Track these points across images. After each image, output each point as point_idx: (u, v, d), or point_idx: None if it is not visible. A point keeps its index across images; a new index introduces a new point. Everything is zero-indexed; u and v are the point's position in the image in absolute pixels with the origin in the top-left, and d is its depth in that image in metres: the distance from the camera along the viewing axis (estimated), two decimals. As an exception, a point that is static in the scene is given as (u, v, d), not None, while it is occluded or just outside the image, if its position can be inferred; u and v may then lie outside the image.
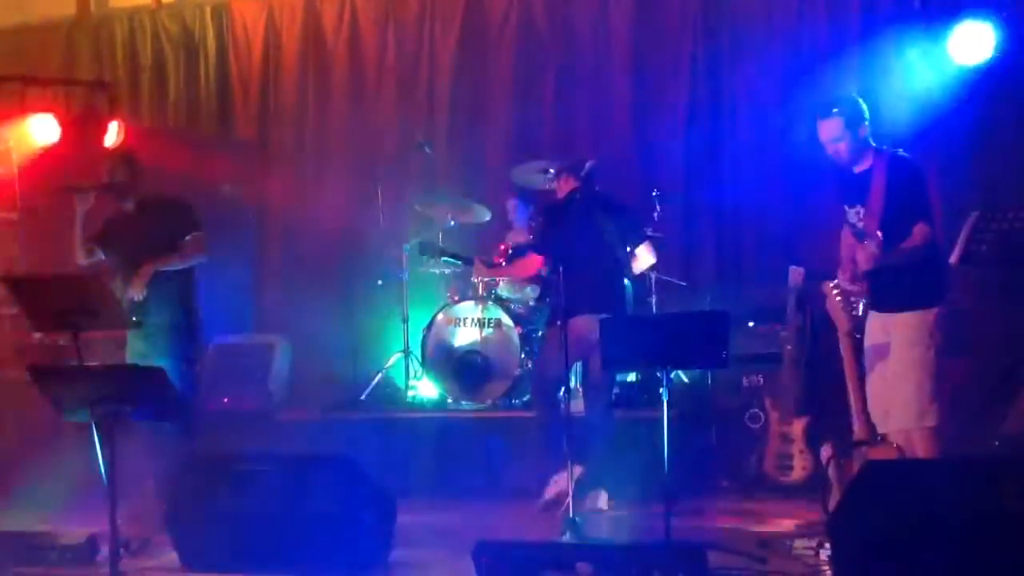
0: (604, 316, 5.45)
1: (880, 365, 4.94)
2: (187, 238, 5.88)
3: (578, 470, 5.42)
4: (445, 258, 7.15)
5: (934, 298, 4.92)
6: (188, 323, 5.91)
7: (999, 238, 4.24)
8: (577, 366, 6.40)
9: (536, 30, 8.26)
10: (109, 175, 5.92)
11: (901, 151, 5.01)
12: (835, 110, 4.95)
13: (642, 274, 6.72)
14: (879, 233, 4.61)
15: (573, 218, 5.96)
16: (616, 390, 6.87)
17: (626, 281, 6.25)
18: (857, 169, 5.00)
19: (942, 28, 6.72)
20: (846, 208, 5.02)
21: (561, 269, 5.34)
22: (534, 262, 6.14)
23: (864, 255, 4.73)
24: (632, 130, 7.94)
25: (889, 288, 4.85)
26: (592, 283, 5.83)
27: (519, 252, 7.35)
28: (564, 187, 6.19)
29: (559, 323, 5.59)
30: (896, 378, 4.85)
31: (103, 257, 5.97)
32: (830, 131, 4.95)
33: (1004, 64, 6.63)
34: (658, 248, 6.47)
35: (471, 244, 7.70)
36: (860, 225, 4.87)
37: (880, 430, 4.79)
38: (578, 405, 6.24)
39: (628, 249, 6.14)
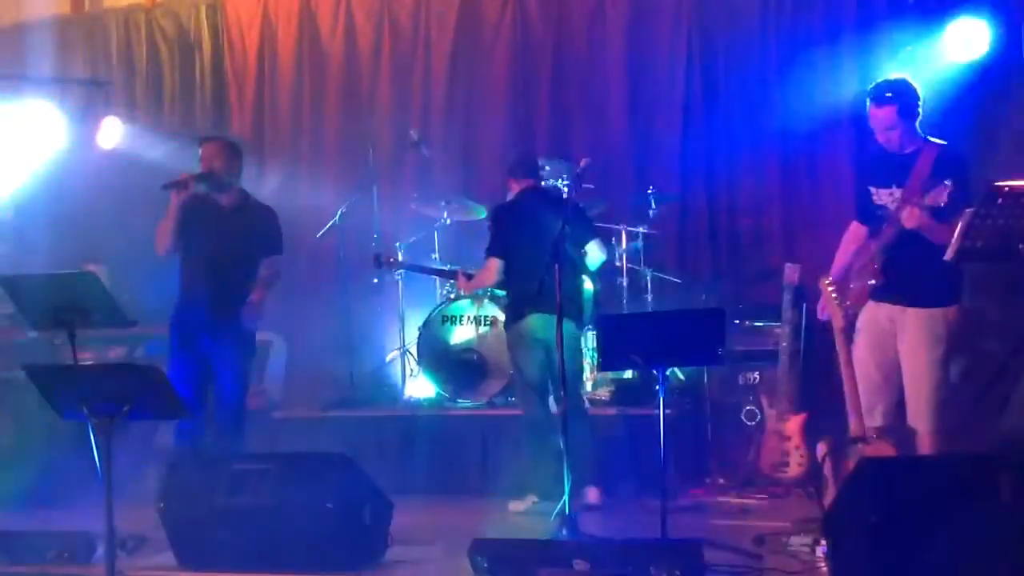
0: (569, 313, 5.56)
1: (870, 355, 4.91)
2: (269, 260, 5.85)
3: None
4: (410, 271, 7.20)
5: (954, 296, 4.90)
6: (251, 327, 5.91)
7: (994, 234, 4.24)
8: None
9: (531, 28, 8.25)
10: (207, 164, 5.78)
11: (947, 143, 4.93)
12: (889, 95, 4.83)
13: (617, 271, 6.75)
14: (948, 181, 4.47)
15: (528, 218, 5.94)
16: (612, 388, 6.89)
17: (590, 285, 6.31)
18: (893, 151, 4.90)
19: (936, 25, 6.73)
20: (872, 189, 4.92)
21: (557, 267, 5.31)
22: (491, 267, 6.07)
23: (914, 215, 4.59)
24: (628, 128, 7.94)
25: (907, 279, 4.79)
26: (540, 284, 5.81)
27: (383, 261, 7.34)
28: (515, 187, 6.17)
29: (522, 322, 5.85)
30: (916, 379, 4.83)
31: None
32: (883, 119, 4.83)
33: (998, 61, 6.64)
34: (608, 245, 6.48)
35: (466, 243, 7.72)
36: (893, 207, 4.82)
37: (868, 424, 4.80)
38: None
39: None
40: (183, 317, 5.86)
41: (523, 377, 6.02)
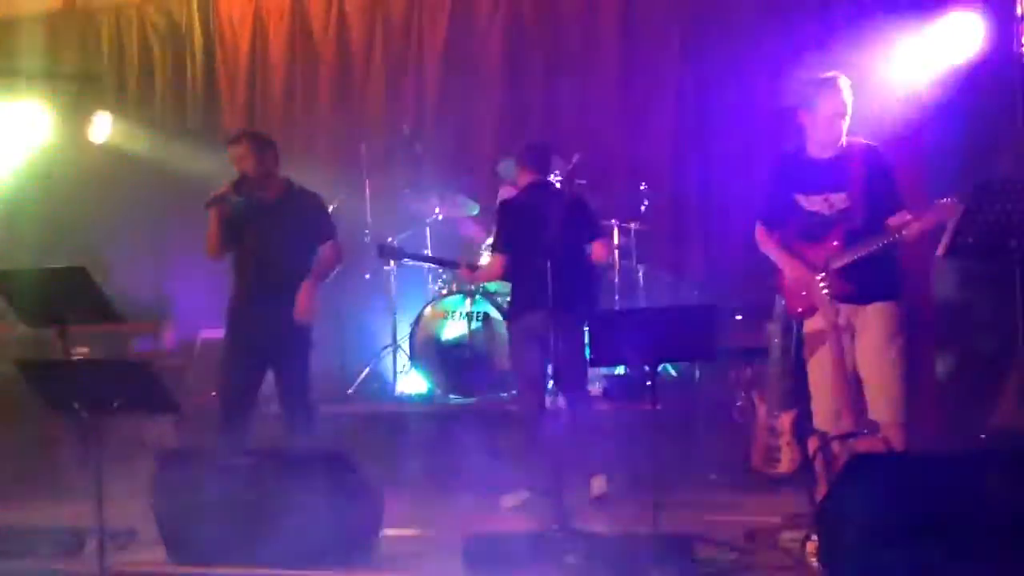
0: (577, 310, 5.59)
1: (832, 360, 4.91)
2: (327, 245, 5.71)
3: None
4: (419, 262, 7.17)
5: (900, 288, 4.93)
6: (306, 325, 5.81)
7: (985, 230, 4.26)
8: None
9: (524, 23, 8.25)
10: (238, 166, 5.60)
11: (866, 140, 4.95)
12: (850, 84, 4.86)
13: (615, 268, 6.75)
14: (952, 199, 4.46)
15: (534, 214, 5.91)
16: (604, 384, 6.89)
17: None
18: (822, 156, 4.90)
19: (930, 22, 6.75)
20: (801, 197, 4.90)
21: (549, 264, 5.30)
22: (496, 263, 6.03)
23: (919, 227, 4.55)
24: (620, 123, 7.94)
25: (862, 278, 4.78)
26: (559, 278, 5.83)
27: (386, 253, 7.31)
28: (524, 177, 6.12)
29: (525, 318, 5.81)
30: (882, 373, 4.84)
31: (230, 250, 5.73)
32: (842, 104, 4.84)
33: (991, 57, 6.65)
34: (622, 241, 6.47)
35: (457, 238, 7.73)
36: (828, 213, 4.82)
37: (832, 429, 4.81)
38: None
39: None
40: (240, 317, 5.74)
41: (524, 372, 6.01)
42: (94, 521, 4.40)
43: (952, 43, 6.65)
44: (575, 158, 6.19)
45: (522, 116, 8.23)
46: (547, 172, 6.23)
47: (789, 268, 4.94)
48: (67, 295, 5.16)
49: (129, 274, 7.77)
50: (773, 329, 6.35)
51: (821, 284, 4.82)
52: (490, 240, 7.18)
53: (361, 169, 7.80)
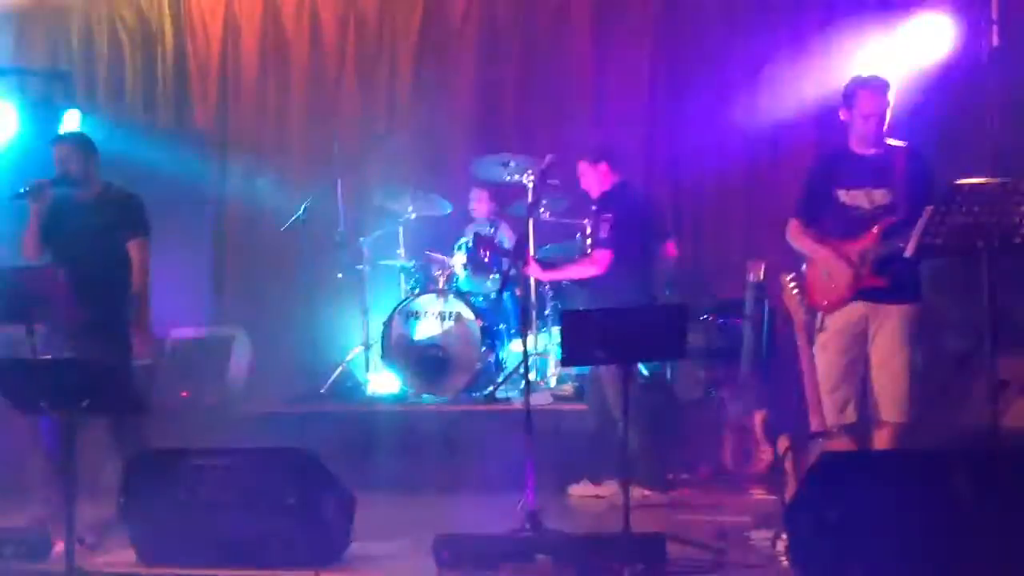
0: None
1: (842, 353, 4.96)
2: (130, 243, 5.61)
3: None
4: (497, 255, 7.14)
5: (921, 292, 5.03)
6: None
7: (953, 231, 4.30)
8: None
9: (497, 24, 8.25)
10: (62, 165, 5.62)
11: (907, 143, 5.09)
12: (888, 86, 4.99)
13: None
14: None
15: (633, 213, 5.96)
16: (575, 383, 6.90)
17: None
18: (865, 152, 5.01)
19: (901, 23, 6.80)
20: (841, 191, 4.99)
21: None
22: (604, 259, 5.94)
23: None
24: (592, 123, 7.95)
25: (892, 277, 4.88)
26: (650, 280, 5.98)
27: (482, 244, 7.30)
28: (611, 176, 6.07)
29: None
30: (896, 373, 4.95)
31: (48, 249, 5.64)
32: (883, 104, 4.97)
33: (962, 58, 6.70)
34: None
35: (429, 237, 7.72)
36: (868, 207, 4.92)
37: (835, 421, 4.85)
38: (538, 399, 6.31)
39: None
40: None
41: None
42: (63, 522, 4.36)
43: (923, 45, 6.70)
44: (548, 158, 6.18)
45: (495, 115, 8.23)
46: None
47: (827, 258, 4.97)
48: (34, 294, 5.12)
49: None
50: (745, 329, 6.40)
51: (791, 285, 4.85)
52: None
53: (333, 167, 7.77)
